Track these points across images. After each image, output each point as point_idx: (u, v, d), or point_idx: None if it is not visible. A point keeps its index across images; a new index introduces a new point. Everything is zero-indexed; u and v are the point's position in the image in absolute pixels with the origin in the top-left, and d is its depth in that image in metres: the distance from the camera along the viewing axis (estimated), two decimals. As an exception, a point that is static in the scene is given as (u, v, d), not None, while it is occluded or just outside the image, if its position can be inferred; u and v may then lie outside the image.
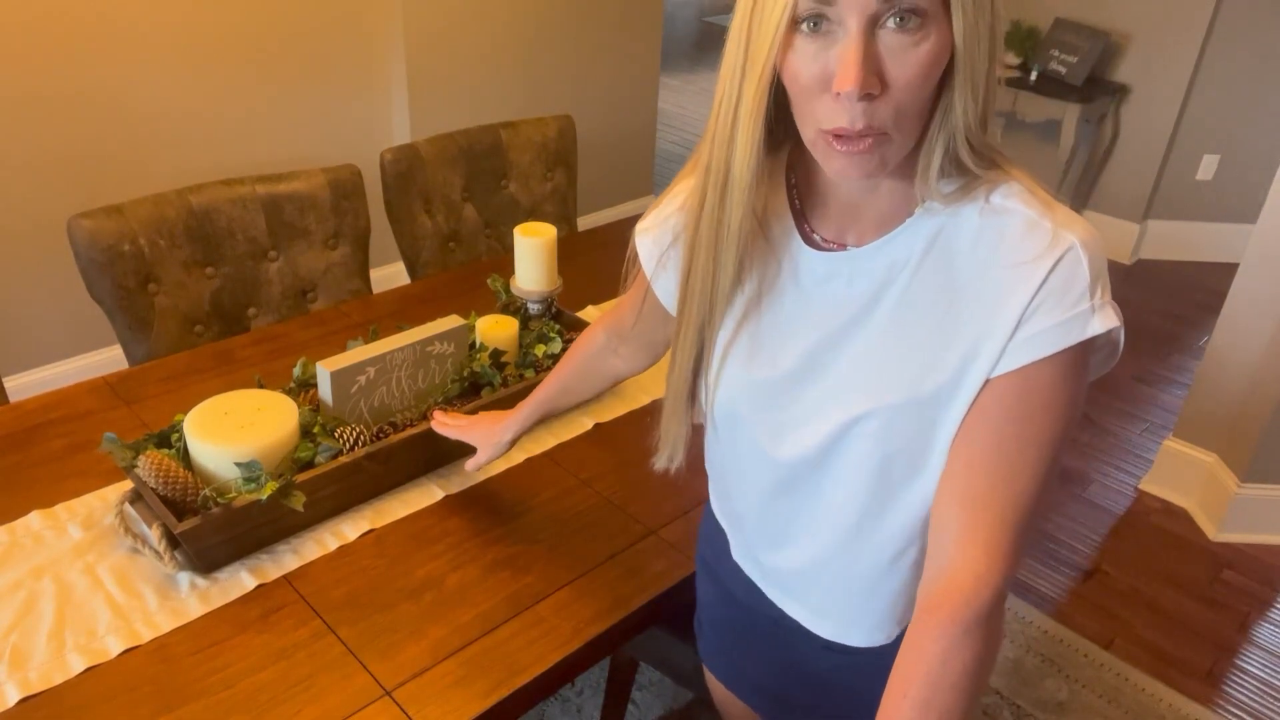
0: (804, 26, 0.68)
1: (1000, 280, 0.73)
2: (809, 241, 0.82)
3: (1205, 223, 3.98)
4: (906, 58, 0.66)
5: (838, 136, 0.70)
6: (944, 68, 0.69)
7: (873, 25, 0.66)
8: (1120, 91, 3.83)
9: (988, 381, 0.74)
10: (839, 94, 0.67)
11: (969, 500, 0.73)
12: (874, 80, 0.66)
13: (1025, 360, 0.72)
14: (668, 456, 0.93)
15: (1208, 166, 3.87)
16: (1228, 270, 2.59)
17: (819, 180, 0.81)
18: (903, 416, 0.77)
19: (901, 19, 0.65)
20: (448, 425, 1.28)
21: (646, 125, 3.93)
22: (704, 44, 7.34)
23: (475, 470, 1.30)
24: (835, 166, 0.72)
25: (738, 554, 1.03)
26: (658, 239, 0.92)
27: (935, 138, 0.72)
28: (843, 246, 0.81)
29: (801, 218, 0.83)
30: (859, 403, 0.79)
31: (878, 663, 0.91)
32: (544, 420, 1.24)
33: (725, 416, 0.89)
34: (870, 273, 0.79)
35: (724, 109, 0.74)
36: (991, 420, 0.73)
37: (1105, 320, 0.71)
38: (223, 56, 2.64)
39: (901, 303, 0.78)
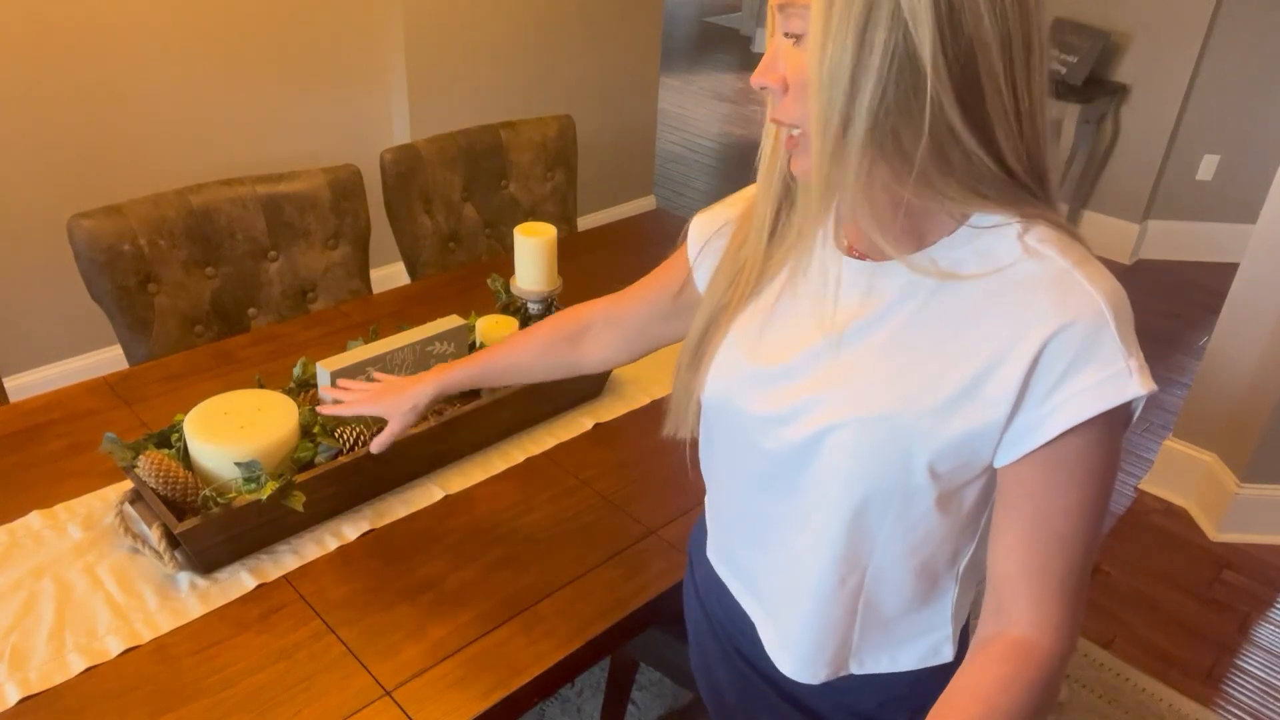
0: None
1: (1015, 323, 0.72)
2: (840, 248, 0.84)
3: (1205, 223, 3.98)
4: (787, 61, 0.73)
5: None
6: None
7: (781, 29, 0.73)
8: (1120, 91, 3.83)
9: (1026, 455, 0.73)
10: None
11: (1027, 573, 0.74)
12: (769, 75, 0.74)
13: (1065, 426, 0.71)
14: (674, 422, 0.95)
15: (1208, 166, 3.87)
16: (1228, 270, 2.59)
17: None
18: (878, 435, 0.77)
19: (788, 31, 0.72)
20: (345, 401, 1.18)
21: (646, 125, 3.93)
22: (704, 44, 7.34)
23: (381, 451, 1.17)
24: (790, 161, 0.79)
25: (712, 549, 1.03)
26: (711, 220, 0.97)
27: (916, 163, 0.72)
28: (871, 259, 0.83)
29: (840, 226, 0.85)
30: (840, 410, 0.79)
31: None
32: (473, 390, 1.15)
33: (717, 400, 0.89)
34: (887, 289, 0.79)
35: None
36: (1034, 493, 0.74)
37: (1145, 383, 0.70)
38: (223, 56, 2.64)
39: (909, 325, 0.78)
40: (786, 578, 0.89)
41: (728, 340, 0.88)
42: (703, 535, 1.07)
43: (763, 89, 0.74)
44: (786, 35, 0.72)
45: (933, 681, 0.85)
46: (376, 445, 1.18)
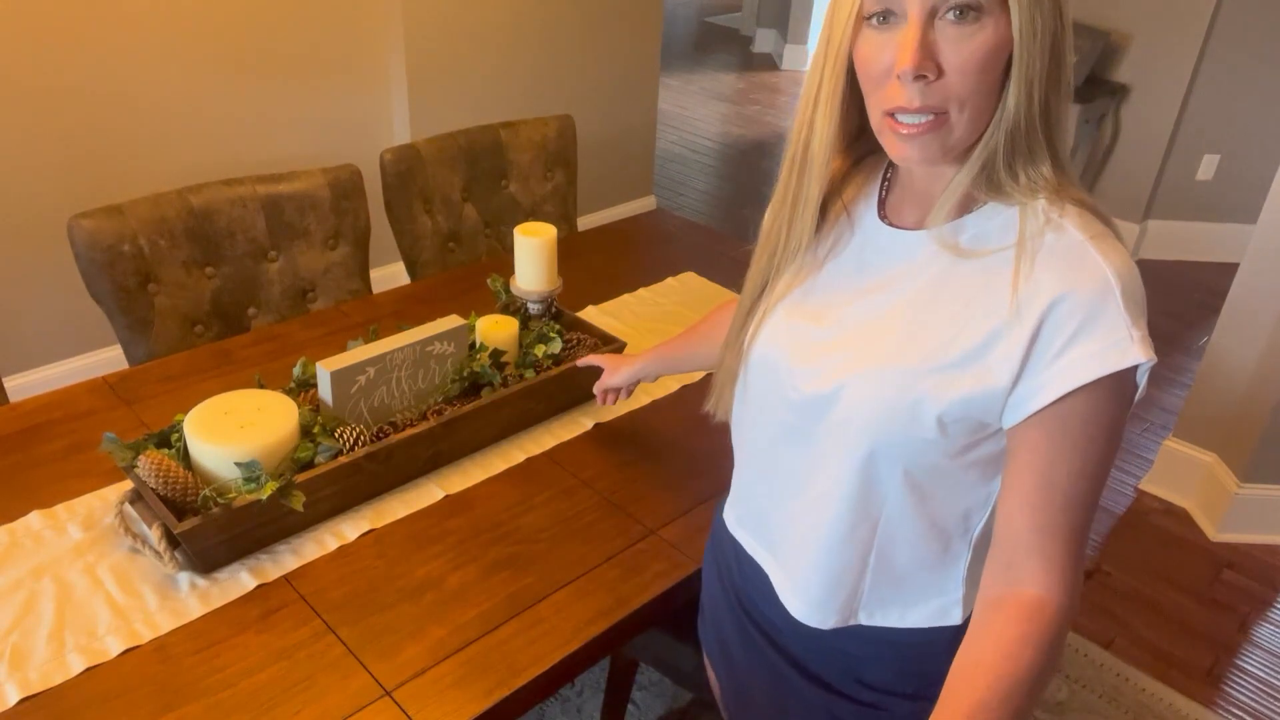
0: (873, 21, 0.77)
1: (1023, 291, 0.76)
2: (881, 220, 0.90)
3: (1205, 223, 3.98)
4: (961, 47, 0.73)
5: (899, 120, 0.77)
6: (1004, 63, 0.74)
7: (932, 17, 0.73)
8: (1120, 91, 3.83)
9: (1030, 416, 0.77)
10: (898, 75, 0.75)
11: (1035, 530, 0.78)
12: (930, 64, 0.73)
13: (1066, 388, 0.75)
14: (714, 400, 1.03)
15: (1208, 166, 3.87)
16: (1228, 270, 2.59)
17: (902, 172, 0.89)
18: (889, 385, 0.81)
19: (960, 12, 0.73)
20: (589, 359, 1.43)
21: (646, 125, 3.93)
22: (704, 44, 7.34)
23: (600, 392, 1.39)
24: (897, 150, 0.79)
25: (731, 513, 1.07)
26: None
27: (994, 135, 0.77)
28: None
29: (883, 204, 0.91)
30: (857, 363, 0.84)
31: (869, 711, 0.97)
32: (668, 374, 1.37)
33: (761, 355, 0.94)
34: (917, 255, 0.85)
35: (808, 96, 0.84)
36: (1040, 455, 0.77)
37: (1146, 351, 0.74)
38: (223, 56, 2.64)
39: (930, 288, 0.83)
40: (801, 525, 0.93)
41: (777, 302, 0.93)
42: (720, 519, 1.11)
43: (918, 77, 0.74)
44: (957, 17, 0.72)
45: (940, 649, 0.88)
46: (599, 386, 1.39)
